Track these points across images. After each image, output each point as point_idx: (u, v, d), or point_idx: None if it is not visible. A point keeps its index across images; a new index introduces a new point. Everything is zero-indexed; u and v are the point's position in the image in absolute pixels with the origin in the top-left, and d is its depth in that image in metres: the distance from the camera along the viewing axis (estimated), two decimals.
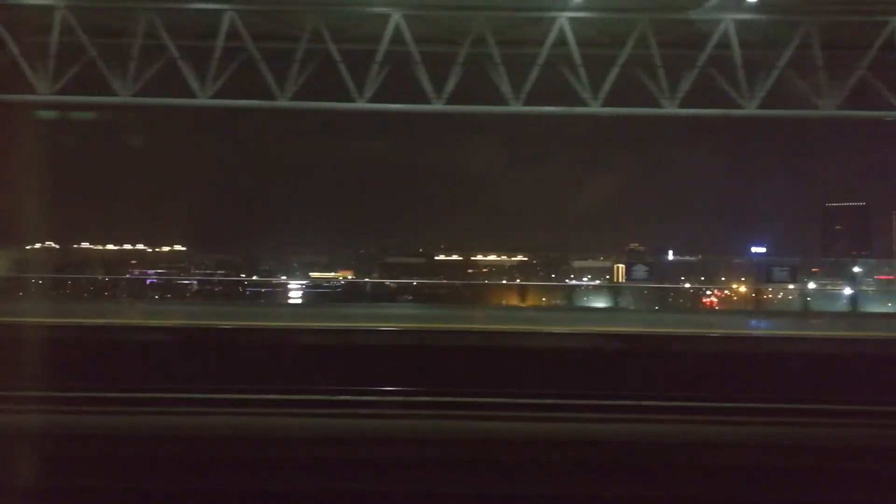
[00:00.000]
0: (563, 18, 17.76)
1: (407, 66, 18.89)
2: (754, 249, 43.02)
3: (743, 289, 27.78)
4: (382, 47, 18.03)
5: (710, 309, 25.94)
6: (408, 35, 17.86)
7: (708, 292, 28.12)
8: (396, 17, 17.82)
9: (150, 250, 32.48)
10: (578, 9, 17.78)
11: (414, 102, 19.32)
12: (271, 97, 18.77)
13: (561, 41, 17.91)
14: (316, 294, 29.56)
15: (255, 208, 66.21)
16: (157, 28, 17.72)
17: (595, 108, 18.79)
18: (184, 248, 35.95)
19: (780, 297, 25.12)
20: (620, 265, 28.90)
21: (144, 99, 18.99)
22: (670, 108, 18.49)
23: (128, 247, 32.31)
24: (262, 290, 31.75)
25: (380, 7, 17.98)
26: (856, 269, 27.15)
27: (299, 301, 28.68)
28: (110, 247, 31.87)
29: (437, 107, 18.90)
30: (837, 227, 71.66)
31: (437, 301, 23.87)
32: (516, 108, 18.75)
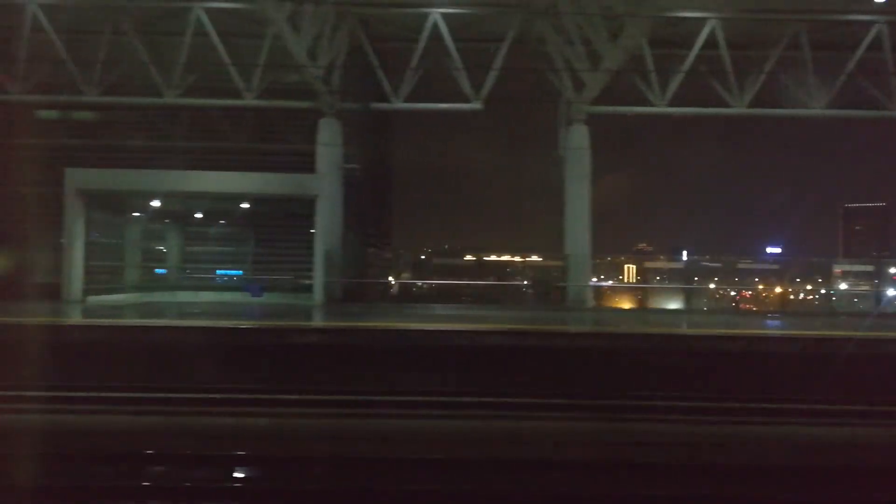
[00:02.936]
0: (715, 21, 17.93)
1: None
2: (769, 250, 43.48)
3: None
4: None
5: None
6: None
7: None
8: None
9: None
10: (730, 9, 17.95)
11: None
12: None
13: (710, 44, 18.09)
14: None
15: None
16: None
17: (738, 109, 19.05)
18: None
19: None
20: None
21: None
22: (817, 110, 18.74)
23: None
24: None
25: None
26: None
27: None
28: None
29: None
30: (858, 227, 73.09)
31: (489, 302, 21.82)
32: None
